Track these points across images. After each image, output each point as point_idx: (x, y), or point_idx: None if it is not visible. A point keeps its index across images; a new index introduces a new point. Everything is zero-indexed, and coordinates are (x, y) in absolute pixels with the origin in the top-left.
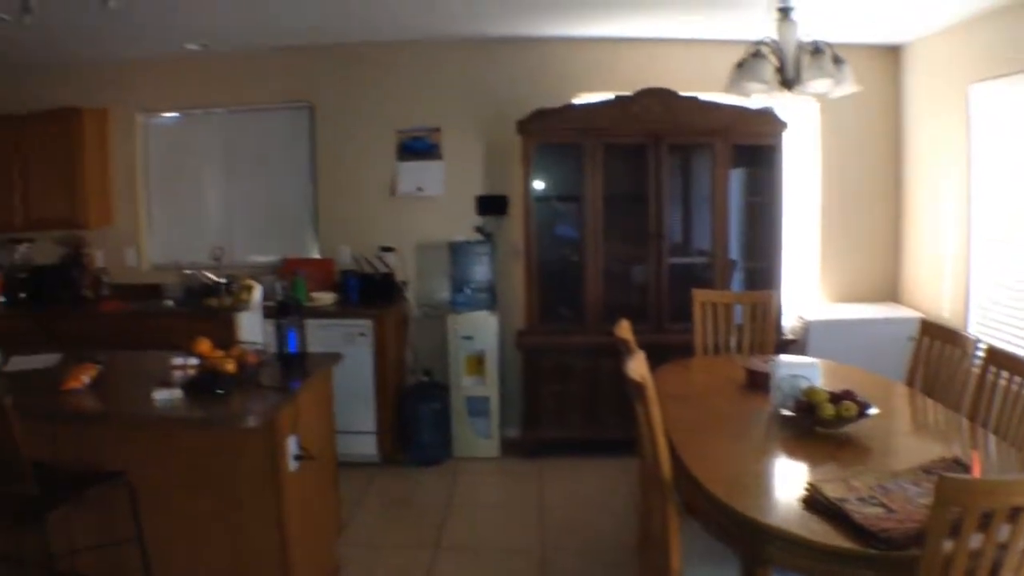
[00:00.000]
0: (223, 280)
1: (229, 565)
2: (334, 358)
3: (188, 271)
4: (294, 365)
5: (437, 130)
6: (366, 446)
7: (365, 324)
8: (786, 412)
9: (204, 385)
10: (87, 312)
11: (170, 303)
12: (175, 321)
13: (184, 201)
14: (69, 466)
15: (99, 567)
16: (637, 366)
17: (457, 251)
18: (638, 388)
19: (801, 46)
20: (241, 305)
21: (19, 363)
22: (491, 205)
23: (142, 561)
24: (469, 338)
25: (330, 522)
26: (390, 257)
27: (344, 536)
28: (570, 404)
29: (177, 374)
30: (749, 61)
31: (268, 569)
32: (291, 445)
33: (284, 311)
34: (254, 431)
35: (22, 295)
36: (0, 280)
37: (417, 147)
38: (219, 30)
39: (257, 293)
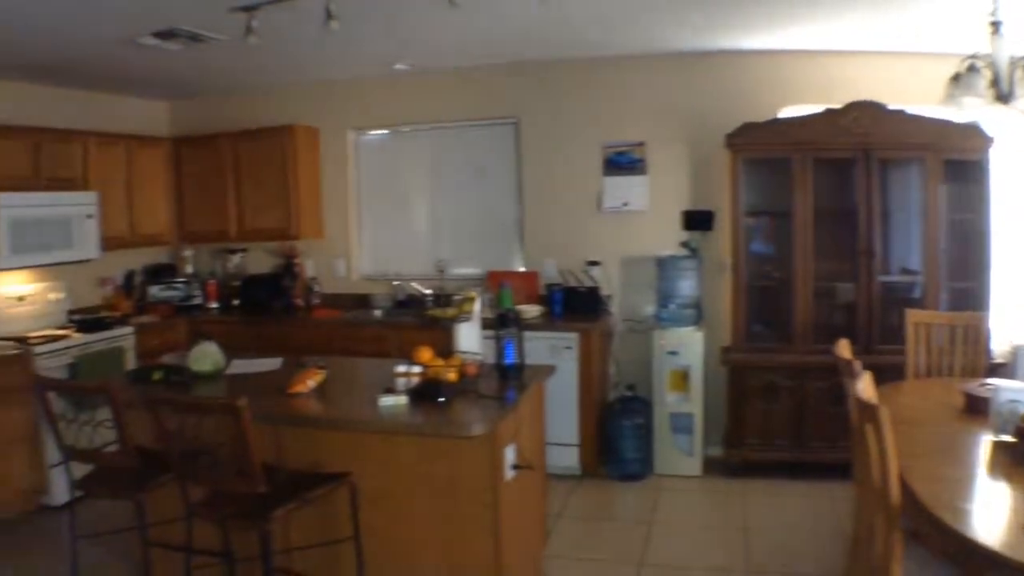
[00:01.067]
0: (430, 291)
1: (443, 569)
2: (548, 370)
3: (396, 282)
4: (511, 376)
5: (642, 144)
6: (568, 458)
7: (571, 337)
8: (1006, 438)
9: (427, 393)
10: (298, 319)
11: (378, 313)
12: (384, 330)
13: (392, 215)
14: (292, 466)
15: (313, 565)
16: (867, 387)
17: (664, 266)
18: (871, 410)
19: (1013, 61)
20: (463, 316)
21: (241, 367)
22: (697, 220)
23: (357, 561)
24: (674, 353)
25: (537, 533)
26: (595, 271)
27: (547, 547)
28: (775, 424)
29: (400, 381)
30: (965, 75)
31: (478, 571)
32: (509, 455)
33: (503, 322)
34: (476, 440)
35: (235, 302)
36: (215, 288)
37: (622, 162)
38: (429, 50)
39: (477, 304)
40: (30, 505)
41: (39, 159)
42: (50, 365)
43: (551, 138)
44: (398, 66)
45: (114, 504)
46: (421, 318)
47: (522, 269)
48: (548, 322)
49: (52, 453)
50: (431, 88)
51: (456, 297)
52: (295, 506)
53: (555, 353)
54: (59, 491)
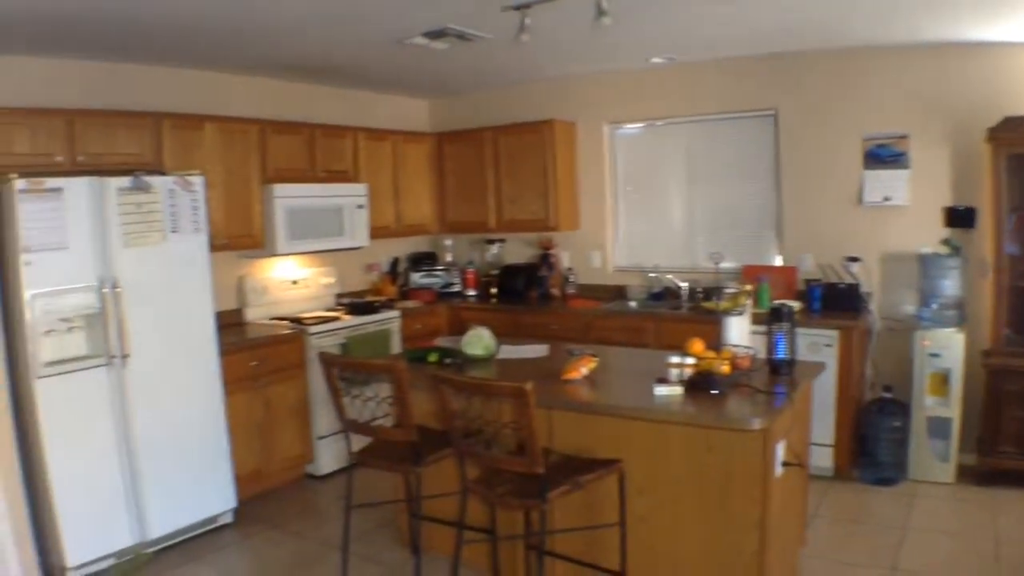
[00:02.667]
0: (685, 284)
1: (704, 561)
2: (818, 368)
3: (652, 274)
4: (782, 372)
5: (904, 137)
6: (821, 458)
7: (831, 335)
8: None
9: (701, 384)
10: (554, 308)
11: (633, 304)
12: (641, 321)
13: (647, 207)
14: (562, 451)
15: (573, 548)
16: None
17: (927, 264)
18: None
19: None
20: (737, 309)
21: (510, 352)
22: (960, 217)
23: (620, 548)
24: (936, 355)
25: (796, 532)
26: (855, 267)
27: (802, 552)
28: None
29: (673, 372)
30: None
31: (741, 571)
32: (779, 451)
33: (776, 316)
34: (749, 434)
35: (492, 290)
36: (473, 276)
37: (883, 155)
38: (689, 43)
39: (749, 299)
40: (297, 475)
41: (314, 153)
42: (323, 344)
43: (810, 130)
44: (655, 60)
45: (375, 477)
46: (682, 310)
47: (779, 264)
48: (807, 318)
49: (319, 426)
50: (687, 81)
51: (728, 290)
52: (568, 489)
53: (814, 351)
54: (324, 462)
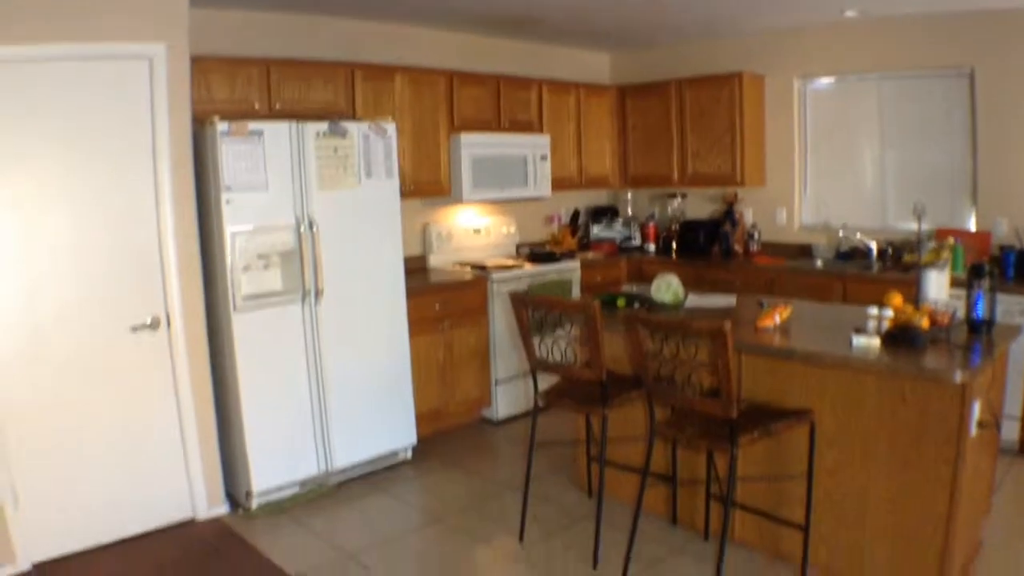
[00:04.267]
0: (872, 244)
1: (890, 519)
2: (1016, 331)
3: (841, 233)
4: (980, 331)
5: None
6: (1007, 431)
7: None
8: None
9: (901, 337)
10: (738, 264)
11: (819, 263)
12: (828, 279)
13: (835, 165)
14: (752, 399)
15: (755, 498)
16: None
17: None
18: None
19: None
20: (939, 263)
21: (697, 301)
22: None
23: (806, 501)
24: None
25: (983, 499)
26: None
27: (987, 519)
28: None
29: (871, 324)
30: None
31: (928, 531)
32: (975, 410)
33: (977, 273)
34: (946, 389)
35: (673, 245)
36: (653, 230)
37: None
38: None
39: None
40: (473, 418)
41: (499, 103)
42: (504, 291)
43: (1010, 90)
44: (848, 13)
45: (550, 424)
46: (872, 270)
47: (972, 227)
48: (1000, 285)
49: (498, 372)
50: (880, 36)
51: (929, 244)
52: (758, 435)
53: (1009, 318)
54: (500, 408)
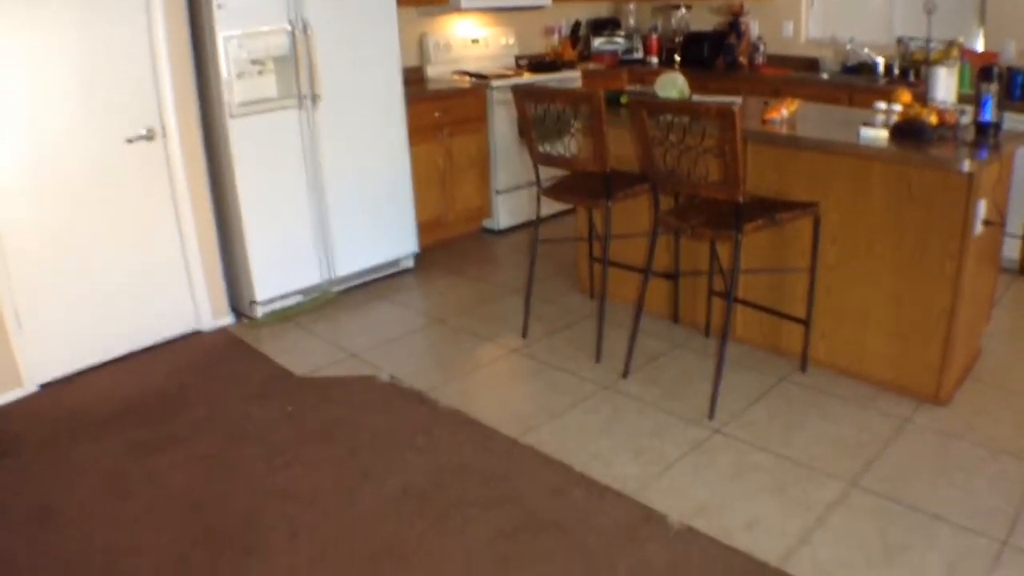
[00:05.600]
0: (880, 59)
1: (892, 315)
2: (1022, 137)
3: (848, 46)
4: (987, 134)
5: None
6: (1009, 250)
7: None
8: None
9: (908, 131)
10: (742, 75)
11: (825, 76)
12: (834, 91)
13: None
14: (758, 193)
15: (756, 293)
16: None
17: None
18: None
19: None
20: (948, 61)
21: (701, 99)
22: None
23: (808, 294)
24: None
25: (984, 306)
26: None
27: (988, 329)
28: None
29: (879, 118)
30: None
31: (930, 328)
32: (981, 207)
33: (985, 76)
34: (953, 181)
35: (676, 57)
36: (656, 43)
37: None
38: None
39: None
40: (474, 227)
41: None
42: (503, 99)
43: None
44: None
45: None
46: (878, 83)
47: (980, 49)
48: (1007, 104)
49: (498, 181)
50: None
51: (937, 44)
52: (763, 223)
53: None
54: (501, 217)
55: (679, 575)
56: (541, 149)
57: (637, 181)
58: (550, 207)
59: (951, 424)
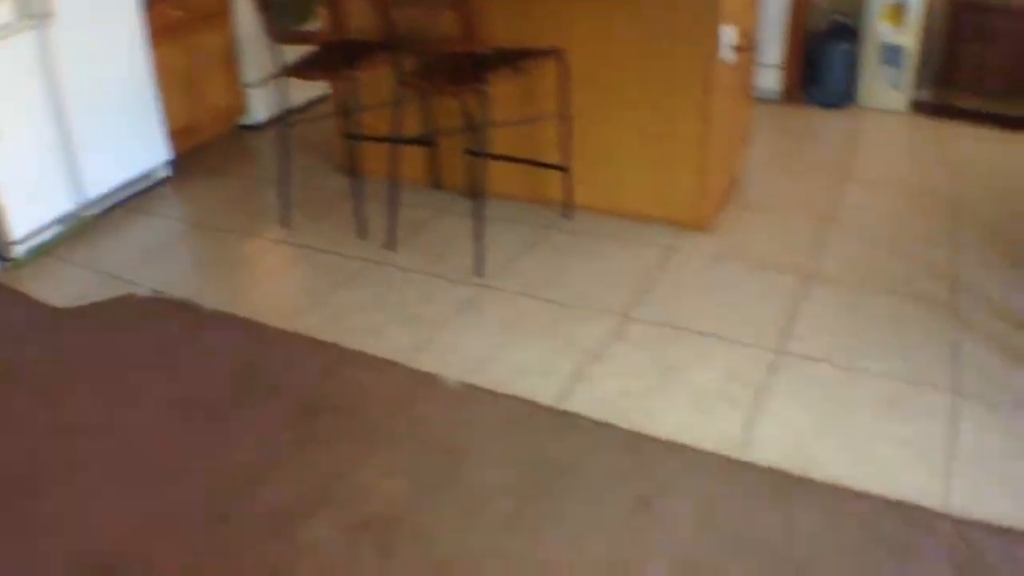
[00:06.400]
0: None
1: (648, 150)
2: None
3: None
4: None
5: None
6: (769, 80)
7: None
8: None
9: None
10: None
11: None
12: None
13: None
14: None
15: (514, 146)
16: None
17: None
18: None
19: None
20: None
21: None
22: None
23: (561, 139)
24: None
25: (739, 131)
26: None
27: (746, 155)
28: (992, 70)
29: None
30: None
31: (683, 159)
32: (728, 33)
33: None
34: (694, 12)
35: None
36: None
37: None
38: None
39: None
40: (230, 126)
41: None
42: None
43: None
44: None
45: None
46: None
47: None
48: None
49: (249, 75)
50: None
51: None
52: (507, 73)
53: None
54: (257, 112)
55: (459, 430)
56: (281, 26)
57: (382, 49)
58: (311, 91)
59: (715, 248)
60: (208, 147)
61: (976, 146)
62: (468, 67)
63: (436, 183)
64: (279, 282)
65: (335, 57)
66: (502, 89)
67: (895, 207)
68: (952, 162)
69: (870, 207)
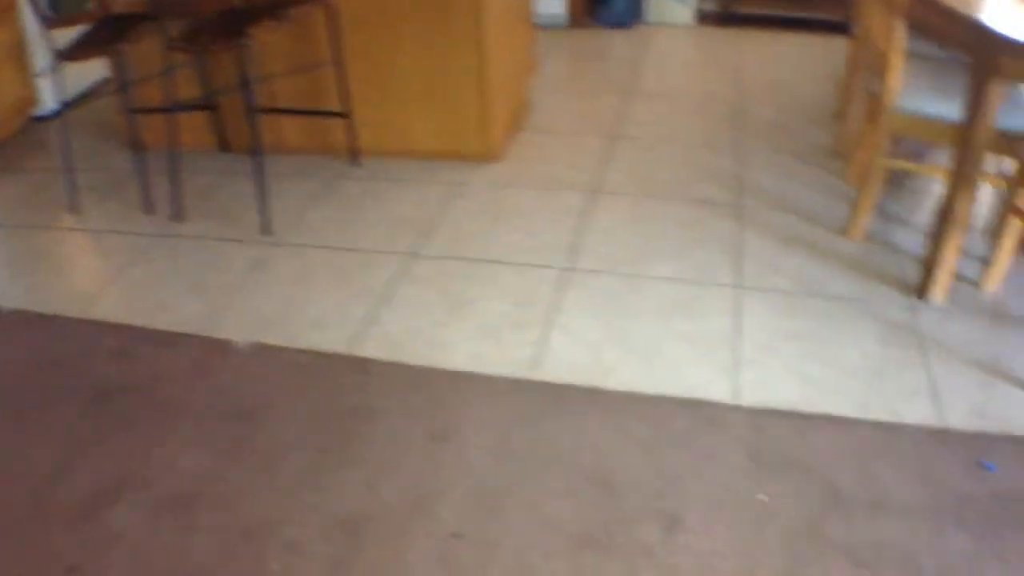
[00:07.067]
0: None
1: (428, 87)
2: None
3: None
4: None
5: None
6: (555, 6)
7: None
8: None
9: None
10: None
11: None
12: None
13: None
14: None
15: (295, 98)
16: None
17: None
18: None
19: None
20: None
21: None
22: None
23: (339, 86)
24: None
25: (524, 59)
26: None
27: (534, 82)
28: None
29: None
30: None
31: (464, 91)
32: None
33: None
34: None
35: None
36: None
37: None
38: None
39: None
40: (23, 119)
41: None
42: None
43: None
44: None
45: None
46: None
47: None
48: None
49: (37, 64)
50: None
51: None
52: (273, 24)
53: None
54: (47, 100)
55: (254, 393)
56: (68, 10)
57: (147, 18)
58: (99, 73)
59: (505, 176)
60: (2, 146)
61: (758, 50)
62: (233, 23)
63: (223, 146)
64: (71, 271)
65: (104, 34)
66: (273, 40)
67: (681, 118)
68: (734, 68)
69: (656, 120)
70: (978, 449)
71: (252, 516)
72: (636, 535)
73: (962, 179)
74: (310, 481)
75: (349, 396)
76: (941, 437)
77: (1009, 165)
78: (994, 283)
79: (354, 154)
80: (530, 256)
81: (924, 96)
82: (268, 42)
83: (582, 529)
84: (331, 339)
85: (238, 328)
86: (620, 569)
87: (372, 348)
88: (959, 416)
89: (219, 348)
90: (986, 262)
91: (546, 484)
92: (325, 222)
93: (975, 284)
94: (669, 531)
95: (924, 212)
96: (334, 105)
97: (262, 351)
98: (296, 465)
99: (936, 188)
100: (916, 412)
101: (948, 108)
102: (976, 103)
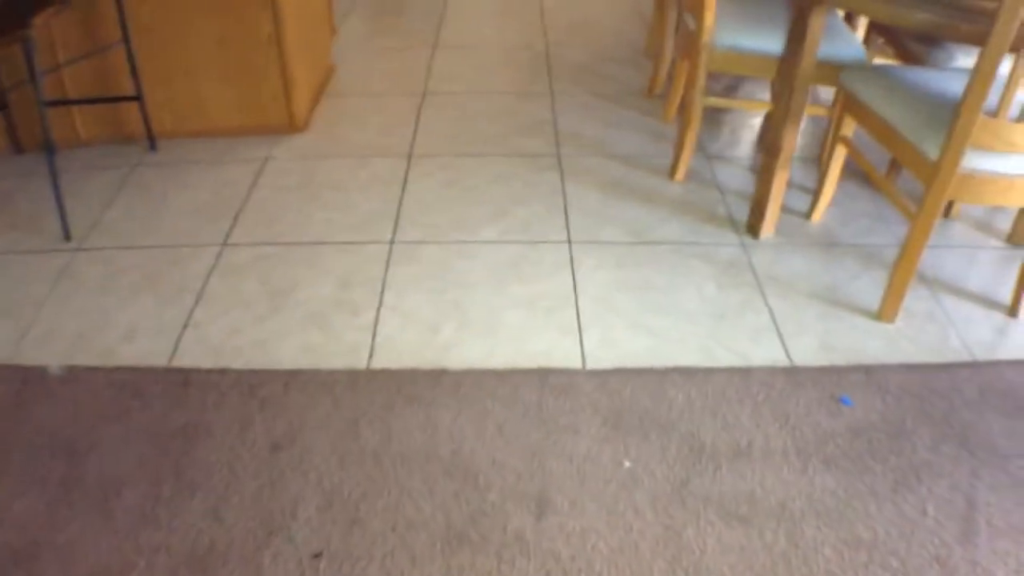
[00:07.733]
0: None
1: (223, 58)
2: None
3: None
4: None
5: None
6: None
7: None
8: None
9: None
10: None
11: None
12: None
13: None
14: None
15: (87, 85)
16: None
17: None
18: None
19: None
20: None
21: None
22: None
23: (130, 67)
24: None
25: (323, 22)
26: None
27: (336, 41)
28: None
29: None
30: None
31: (261, 61)
32: None
33: None
34: None
35: None
36: None
37: None
38: None
39: None
40: None
41: None
42: None
43: None
44: None
45: None
46: None
47: None
48: None
49: None
50: None
51: None
52: (55, 9)
53: None
54: None
55: (76, 420)
56: None
57: None
58: None
59: (314, 147)
60: None
61: None
62: (13, 14)
63: (17, 147)
64: None
65: None
66: (58, 27)
67: (490, 68)
68: (538, 11)
69: (465, 73)
70: (831, 383)
71: (96, 565)
72: (506, 525)
73: (786, 113)
74: (149, 518)
75: (175, 414)
76: (792, 375)
77: (827, 93)
78: (821, 212)
79: (151, 139)
80: (350, 233)
81: (741, 31)
82: (53, 28)
83: (449, 527)
84: (147, 351)
85: (50, 351)
86: (495, 564)
87: (193, 356)
88: (807, 351)
89: (33, 376)
90: (810, 192)
91: (403, 483)
92: (127, 218)
93: (803, 215)
94: (539, 516)
95: (744, 147)
96: (128, 89)
97: (76, 374)
98: (131, 502)
99: (753, 122)
100: (764, 352)
101: (768, 41)
102: (798, 34)
